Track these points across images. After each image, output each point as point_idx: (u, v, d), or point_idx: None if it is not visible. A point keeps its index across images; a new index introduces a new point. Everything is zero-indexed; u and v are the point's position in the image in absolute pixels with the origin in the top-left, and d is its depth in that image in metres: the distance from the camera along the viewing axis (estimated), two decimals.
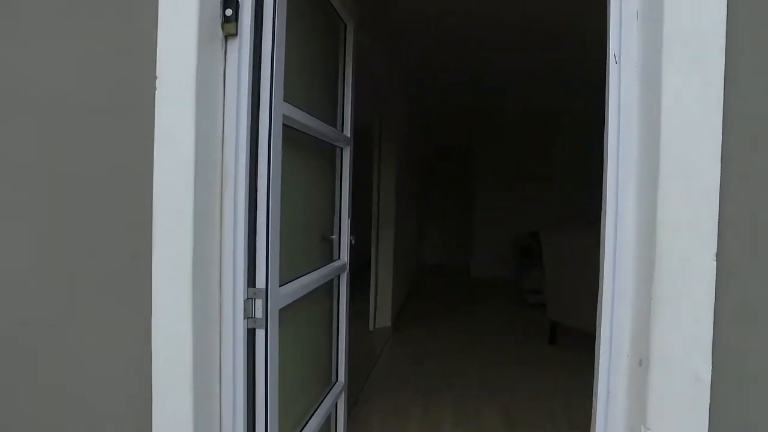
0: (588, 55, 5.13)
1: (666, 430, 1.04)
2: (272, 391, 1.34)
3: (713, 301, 1.02)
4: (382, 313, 4.66)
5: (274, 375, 1.35)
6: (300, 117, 1.54)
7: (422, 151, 7.69)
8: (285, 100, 1.39)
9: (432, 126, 7.74)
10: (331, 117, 2.07)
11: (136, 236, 1.18)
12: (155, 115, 1.16)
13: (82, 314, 1.22)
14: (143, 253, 1.16)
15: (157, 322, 1.16)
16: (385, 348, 4.28)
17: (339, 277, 2.13)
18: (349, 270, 2.18)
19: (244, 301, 1.27)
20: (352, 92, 2.15)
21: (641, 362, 1.10)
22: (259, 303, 1.31)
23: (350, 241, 2.12)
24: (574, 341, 4.40)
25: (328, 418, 2.03)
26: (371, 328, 4.71)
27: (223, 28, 1.23)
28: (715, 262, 1.02)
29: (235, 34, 1.24)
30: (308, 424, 1.71)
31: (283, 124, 1.39)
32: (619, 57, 1.17)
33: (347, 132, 2.11)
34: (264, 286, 1.31)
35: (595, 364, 1.24)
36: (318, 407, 1.85)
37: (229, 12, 1.22)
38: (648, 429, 1.05)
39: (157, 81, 1.16)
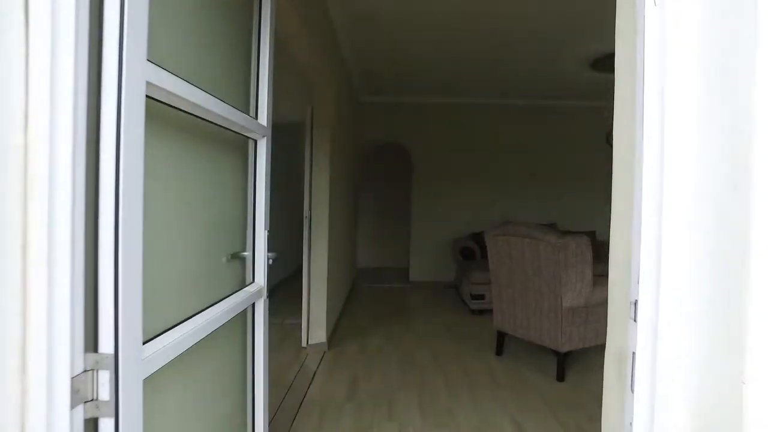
0: (524, 54, 5.04)
1: None
2: None
3: None
4: (316, 328, 4.19)
5: None
6: (181, 89, 1.06)
7: (357, 150, 7.28)
8: (151, 61, 0.92)
9: (367, 123, 7.34)
10: (242, 101, 1.60)
11: None
12: None
13: None
14: None
15: None
16: (320, 367, 3.82)
17: (254, 305, 1.66)
18: (268, 293, 1.72)
19: (74, 379, 0.78)
20: (270, 73, 1.69)
21: None
22: (104, 376, 0.83)
23: (268, 260, 1.65)
24: (523, 351, 4.15)
25: None
26: (304, 343, 4.23)
27: None
28: None
29: None
30: None
31: (149, 96, 0.92)
32: None
33: (263, 120, 1.65)
34: (112, 350, 0.83)
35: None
36: None
37: None
38: None
39: None
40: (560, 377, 3.52)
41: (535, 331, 3.66)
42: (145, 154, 0.90)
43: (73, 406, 0.77)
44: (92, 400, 0.82)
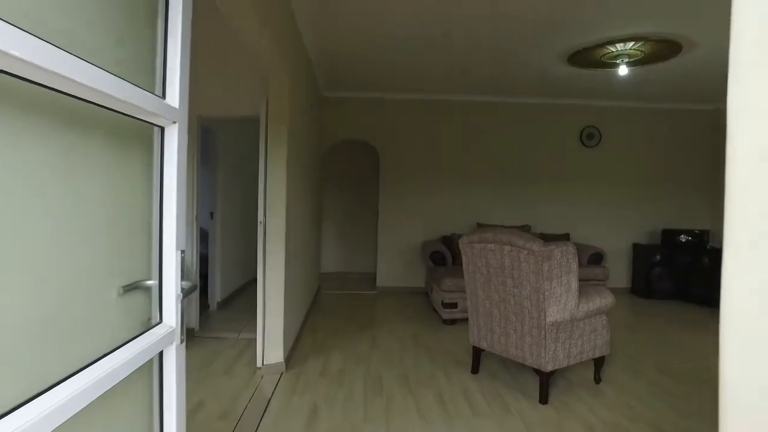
0: (497, 48, 4.70)
1: None
2: None
3: None
4: (272, 346, 3.73)
5: None
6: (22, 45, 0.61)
7: (322, 148, 6.82)
8: None
9: (332, 120, 6.90)
10: (143, 75, 1.15)
11: None
12: None
13: None
14: None
15: None
16: (275, 393, 3.36)
17: (162, 354, 1.21)
18: (183, 336, 1.27)
19: None
20: (184, 35, 1.24)
21: None
22: None
23: (180, 290, 1.20)
24: (501, 367, 3.80)
25: None
26: (260, 364, 3.77)
27: None
28: None
29: None
30: None
31: None
32: None
33: (174, 101, 1.20)
34: None
35: None
36: None
37: None
38: None
39: None
40: (543, 399, 3.18)
41: (515, 348, 3.31)
42: None
43: None
44: None
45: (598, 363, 3.50)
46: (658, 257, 6.64)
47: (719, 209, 7.19)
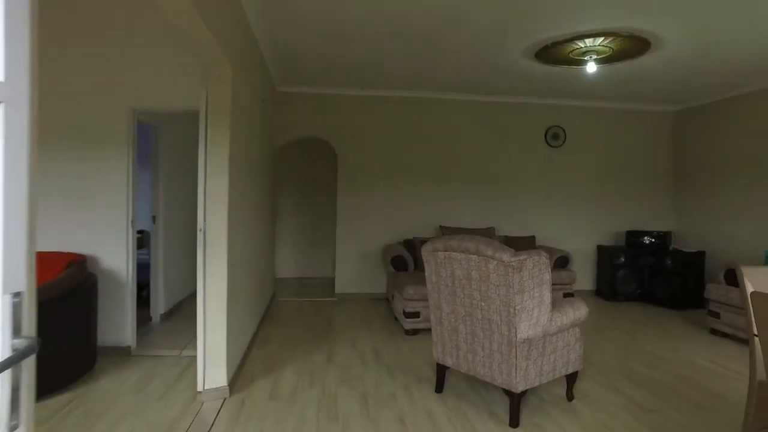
0: (461, 42, 4.37)
1: None
2: None
3: None
4: (214, 367, 3.32)
5: None
6: None
7: (276, 146, 6.40)
8: None
9: (287, 116, 6.48)
10: None
11: None
12: None
13: None
14: None
15: None
16: (216, 423, 2.96)
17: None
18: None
19: None
20: None
21: None
22: None
23: (11, 351, 0.82)
24: (467, 386, 3.51)
25: None
26: (200, 387, 3.34)
27: None
28: None
29: None
30: None
31: None
32: None
33: None
34: None
35: None
36: None
37: None
38: None
39: None
40: (514, 422, 2.90)
41: (483, 367, 3.03)
42: None
43: None
44: None
45: (571, 379, 3.26)
46: (623, 259, 6.55)
47: (681, 210, 7.24)
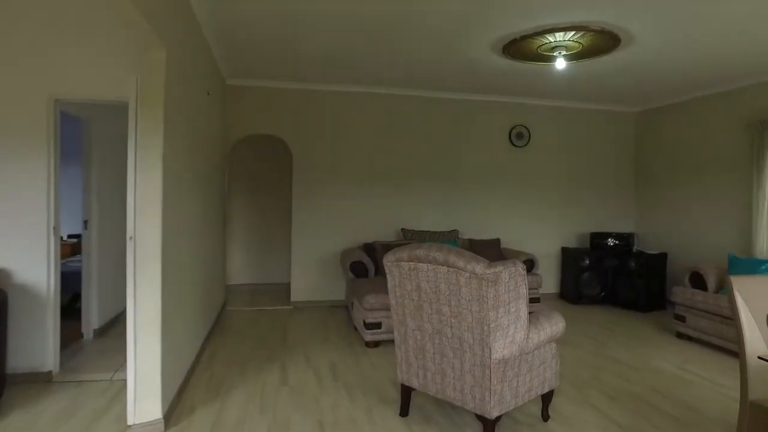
0: (424, 36, 4.04)
1: None
2: None
3: None
4: (147, 398, 2.87)
5: None
6: None
7: (226, 143, 5.93)
8: None
9: (238, 111, 6.02)
10: None
11: None
12: None
13: None
14: None
15: None
16: None
17: None
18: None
19: None
20: None
21: None
22: None
23: None
24: (435, 408, 3.19)
25: None
26: (131, 421, 2.89)
27: None
28: None
29: None
30: None
31: None
32: None
33: None
34: None
35: None
36: None
37: None
38: None
39: None
40: None
41: (454, 390, 2.73)
42: None
43: None
44: None
45: (547, 397, 3.01)
46: (587, 261, 6.44)
47: (642, 212, 7.22)
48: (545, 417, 3.03)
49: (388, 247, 5.75)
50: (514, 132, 6.71)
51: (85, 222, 4.71)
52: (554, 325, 2.83)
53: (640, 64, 4.91)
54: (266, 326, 5.26)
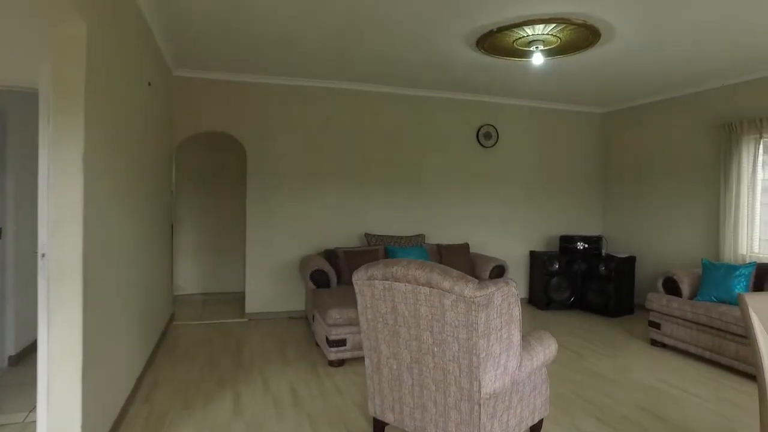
0: (392, 26, 3.69)
1: None
2: None
3: None
4: None
5: None
6: None
7: (171, 140, 5.35)
8: None
9: (186, 106, 5.46)
10: None
11: None
12: None
13: None
14: None
15: None
16: None
17: None
18: None
19: None
20: None
21: None
22: None
23: None
24: None
25: None
26: None
27: None
28: None
29: None
30: None
31: None
32: None
33: None
34: None
35: None
36: None
37: None
38: None
39: None
40: None
41: (436, 427, 2.36)
42: None
43: None
44: None
45: (536, 428, 2.69)
46: (557, 265, 6.26)
47: (610, 214, 7.13)
48: None
49: (350, 253, 5.34)
50: (482, 131, 6.44)
51: (0, 229, 4.06)
52: (547, 348, 2.51)
53: (616, 62, 4.71)
54: (218, 344, 4.75)
